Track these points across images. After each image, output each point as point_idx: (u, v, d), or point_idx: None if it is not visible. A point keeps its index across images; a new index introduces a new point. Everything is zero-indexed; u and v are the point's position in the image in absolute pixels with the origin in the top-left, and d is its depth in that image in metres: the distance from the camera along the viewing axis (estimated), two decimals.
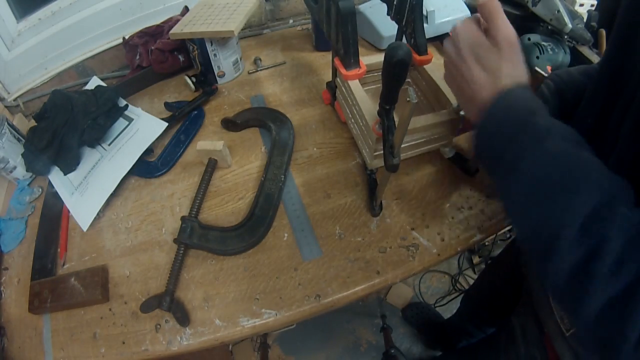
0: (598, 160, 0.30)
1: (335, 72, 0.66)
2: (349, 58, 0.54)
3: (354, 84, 0.56)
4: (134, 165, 0.63)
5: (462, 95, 0.41)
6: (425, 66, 0.60)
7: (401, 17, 0.57)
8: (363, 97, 0.54)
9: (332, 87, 0.69)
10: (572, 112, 0.45)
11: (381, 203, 0.57)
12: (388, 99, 0.44)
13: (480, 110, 0.37)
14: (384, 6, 0.60)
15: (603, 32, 0.76)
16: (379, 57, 0.62)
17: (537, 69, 0.39)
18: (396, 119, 0.47)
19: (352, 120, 0.60)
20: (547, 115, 0.34)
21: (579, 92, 0.45)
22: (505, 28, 0.38)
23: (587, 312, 0.27)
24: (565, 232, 0.27)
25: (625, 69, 0.36)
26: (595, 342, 0.28)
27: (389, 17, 0.61)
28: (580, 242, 0.27)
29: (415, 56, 0.58)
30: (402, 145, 0.54)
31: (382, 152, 0.53)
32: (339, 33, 0.53)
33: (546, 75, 0.39)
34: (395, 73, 0.39)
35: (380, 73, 0.65)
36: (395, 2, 0.57)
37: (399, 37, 0.62)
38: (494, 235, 1.29)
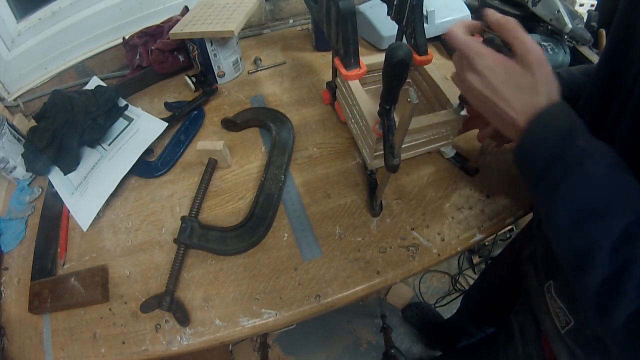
0: (633, 181, 0.31)
1: (335, 72, 0.66)
2: (349, 58, 0.54)
3: (354, 84, 0.56)
4: (134, 165, 0.62)
5: (501, 121, 0.41)
6: (425, 66, 0.60)
7: (401, 17, 0.57)
8: (363, 97, 0.54)
9: (332, 87, 0.69)
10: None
11: (381, 203, 0.57)
12: (388, 99, 0.44)
13: (520, 132, 0.38)
14: (384, 6, 0.60)
15: (603, 32, 0.76)
16: (379, 57, 0.62)
17: None
18: (396, 119, 0.47)
19: (352, 121, 0.60)
20: (585, 133, 0.35)
21: (580, 92, 0.45)
22: (534, 47, 0.37)
23: (616, 325, 0.29)
24: (599, 252, 0.30)
25: (622, 69, 0.36)
26: (622, 350, 0.30)
27: (389, 17, 0.61)
28: (611, 261, 0.29)
29: (416, 56, 0.58)
30: (403, 146, 0.54)
31: (382, 152, 0.53)
32: (339, 33, 0.53)
33: None
34: (396, 73, 0.39)
35: (380, 73, 0.65)
36: (395, 2, 0.57)
37: (399, 37, 0.62)
38: (494, 235, 1.29)
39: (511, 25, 0.38)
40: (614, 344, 0.31)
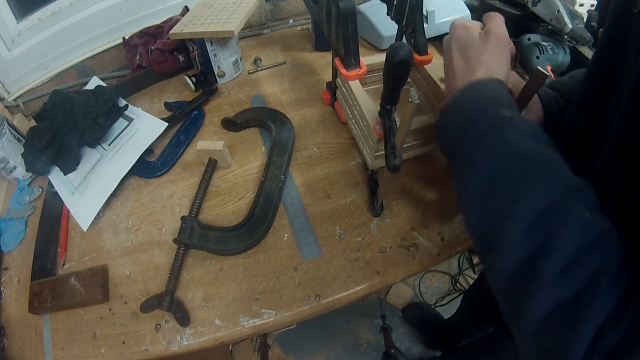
0: (560, 160, 0.29)
1: (335, 72, 0.66)
2: (350, 58, 0.54)
3: (355, 85, 0.56)
4: (134, 165, 0.63)
5: (447, 85, 0.43)
6: (425, 66, 0.60)
7: (401, 17, 0.57)
8: (364, 97, 0.54)
9: (332, 87, 0.69)
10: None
11: (382, 203, 0.57)
12: (389, 99, 0.44)
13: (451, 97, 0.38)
14: (384, 6, 0.60)
15: None
16: (380, 57, 0.62)
17: (539, 67, 0.39)
18: (397, 119, 0.47)
19: (353, 121, 0.60)
20: (513, 109, 0.34)
21: None
22: (498, 27, 0.39)
23: (530, 319, 0.24)
24: (513, 225, 0.25)
25: (613, 72, 0.36)
26: (537, 356, 0.25)
27: (388, 17, 0.61)
28: (528, 238, 0.25)
29: (416, 56, 0.58)
30: (403, 146, 0.54)
31: (383, 152, 0.53)
32: (339, 33, 0.53)
33: (548, 74, 0.39)
34: (397, 73, 0.39)
35: (380, 73, 0.65)
36: (395, 2, 0.57)
37: (399, 37, 0.62)
38: None
39: (493, 14, 0.41)
40: (530, 353, 0.25)
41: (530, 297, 0.24)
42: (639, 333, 0.20)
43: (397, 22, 0.59)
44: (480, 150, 0.30)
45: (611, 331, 0.21)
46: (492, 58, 0.38)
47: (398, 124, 0.45)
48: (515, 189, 0.27)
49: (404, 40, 0.60)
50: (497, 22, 0.40)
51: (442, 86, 0.57)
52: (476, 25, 0.42)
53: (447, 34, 0.85)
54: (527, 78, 0.43)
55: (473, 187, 0.30)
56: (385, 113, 0.46)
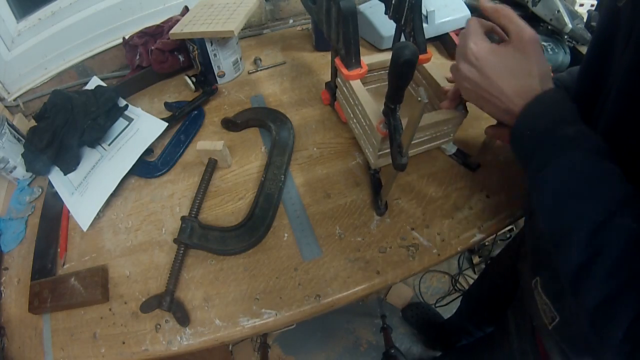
0: (617, 172, 0.32)
1: (334, 72, 0.66)
2: (350, 58, 0.54)
3: (356, 84, 0.56)
4: (134, 165, 0.63)
5: (496, 109, 0.41)
6: (425, 65, 0.60)
7: (400, 17, 0.57)
8: (366, 97, 0.54)
9: (331, 87, 0.69)
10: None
11: (386, 202, 0.57)
12: (394, 98, 0.44)
13: (516, 116, 0.39)
14: (384, 6, 0.61)
15: None
16: (379, 57, 0.62)
17: None
18: (400, 118, 0.47)
19: (354, 120, 0.60)
20: (577, 121, 0.35)
21: None
22: (528, 28, 0.38)
23: (587, 305, 0.30)
24: (576, 235, 0.31)
25: (602, 68, 0.37)
26: (593, 337, 0.32)
27: (387, 16, 0.61)
28: (587, 246, 0.30)
29: None
30: (387, 149, 0.54)
31: (386, 151, 0.53)
32: (339, 33, 0.53)
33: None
34: (403, 73, 0.39)
35: (381, 72, 0.66)
36: (393, 2, 0.57)
37: (397, 36, 0.62)
38: (494, 235, 1.29)
39: (507, 11, 0.39)
40: (587, 330, 0.32)
41: (586, 290, 0.30)
42: None
43: (395, 21, 0.59)
44: (550, 171, 0.35)
45: None
46: (539, 64, 0.38)
47: (403, 122, 0.45)
48: (579, 205, 0.32)
49: (402, 39, 0.60)
50: (519, 22, 0.38)
51: (443, 84, 0.57)
52: (484, 38, 0.41)
53: (447, 34, 0.85)
54: None
55: (545, 199, 0.35)
56: (390, 112, 0.46)
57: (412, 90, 0.66)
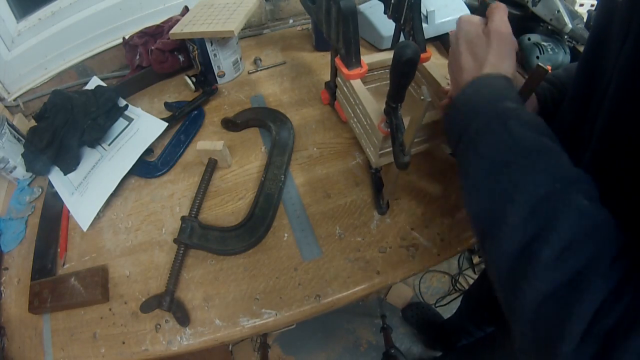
0: (562, 151, 0.30)
1: (334, 72, 0.66)
2: (351, 57, 0.54)
3: (357, 84, 0.56)
4: (134, 165, 0.63)
5: (454, 81, 0.43)
6: (425, 64, 0.60)
7: (399, 16, 0.57)
8: (366, 96, 0.54)
9: (330, 87, 0.69)
10: None
11: (388, 201, 0.57)
12: (396, 97, 0.44)
13: (458, 90, 0.40)
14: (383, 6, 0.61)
15: None
16: (379, 56, 0.62)
17: (540, 63, 0.40)
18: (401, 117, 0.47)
19: (355, 120, 0.60)
20: (518, 102, 0.35)
21: None
22: (499, 22, 0.40)
23: (527, 304, 0.25)
24: (513, 210, 0.26)
25: (598, 66, 0.37)
26: (532, 343, 0.25)
27: (385, 15, 0.61)
28: (527, 223, 0.26)
29: None
30: (389, 148, 0.54)
31: (387, 150, 0.53)
32: (339, 33, 0.53)
33: (548, 70, 0.40)
34: (405, 72, 0.39)
35: (381, 72, 0.66)
36: (392, 1, 0.57)
37: (396, 35, 0.62)
38: None
39: (495, 5, 0.42)
40: (525, 339, 0.26)
41: (527, 281, 0.24)
42: (634, 317, 0.21)
43: (394, 21, 0.59)
44: (485, 139, 0.32)
45: (607, 314, 0.22)
46: (497, 56, 0.39)
47: (405, 121, 0.45)
48: (517, 176, 0.28)
49: (402, 38, 0.60)
50: (498, 17, 0.40)
51: (443, 84, 0.57)
52: (481, 20, 0.43)
53: (447, 34, 0.86)
54: (527, 76, 0.44)
55: (476, 172, 0.32)
56: (392, 111, 0.46)
57: (412, 89, 0.66)
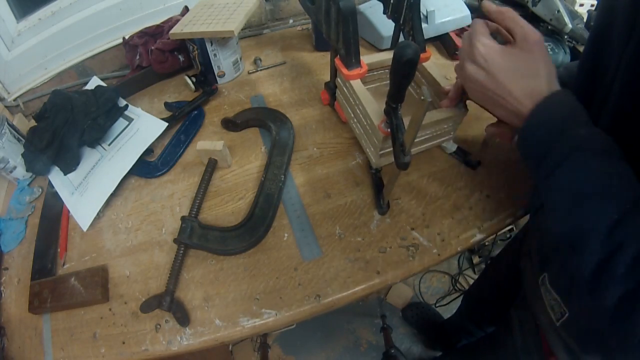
0: (629, 171, 0.32)
1: (334, 72, 0.66)
2: (350, 58, 0.54)
3: (357, 84, 0.56)
4: (134, 165, 0.62)
5: (503, 110, 0.41)
6: (425, 64, 0.60)
7: (398, 16, 0.57)
8: (366, 96, 0.54)
9: (330, 87, 0.69)
10: None
11: (388, 201, 0.57)
12: (396, 97, 0.44)
13: (524, 118, 0.38)
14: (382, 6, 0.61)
15: None
16: (379, 57, 0.62)
17: None
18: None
19: (355, 120, 0.60)
20: (588, 122, 0.35)
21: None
22: (533, 30, 0.39)
23: (607, 304, 0.30)
24: (594, 234, 0.31)
25: (599, 68, 0.37)
26: (612, 337, 0.31)
27: (385, 15, 0.61)
28: (605, 244, 0.30)
29: None
30: (389, 149, 0.54)
31: (388, 150, 0.53)
32: (339, 33, 0.53)
33: None
34: (405, 72, 0.39)
35: (380, 72, 0.66)
36: (392, 1, 0.57)
37: (396, 35, 0.62)
38: (494, 235, 1.29)
39: (511, 13, 0.40)
40: (606, 328, 0.31)
41: (606, 287, 0.30)
42: None
43: (394, 21, 0.59)
44: (563, 172, 0.34)
45: None
46: (546, 65, 0.38)
47: (405, 121, 0.45)
48: (595, 205, 0.32)
49: (401, 38, 0.60)
50: (524, 24, 0.39)
51: (443, 84, 0.57)
52: (491, 39, 0.41)
53: (447, 34, 0.86)
54: None
55: (559, 199, 0.35)
56: (392, 111, 0.46)
57: (412, 89, 0.66)
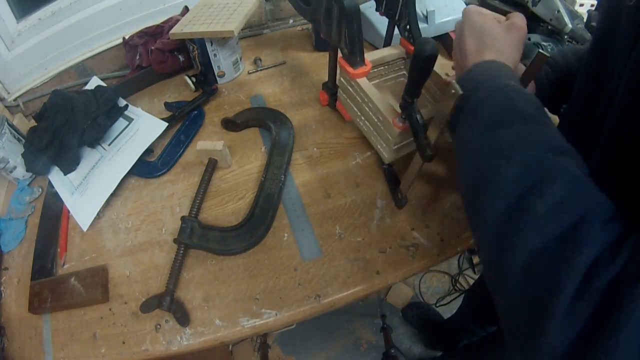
0: (555, 127, 0.31)
1: (332, 72, 0.66)
2: (355, 56, 0.54)
3: (364, 82, 0.56)
4: (134, 165, 0.63)
5: (458, 67, 0.45)
6: None
7: (393, 13, 0.58)
8: (375, 93, 0.55)
9: (329, 87, 0.69)
10: (566, 99, 0.48)
11: (406, 194, 0.57)
12: (414, 92, 0.45)
13: (466, 71, 0.40)
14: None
15: None
16: (378, 53, 0.63)
17: (540, 50, 0.41)
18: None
19: (362, 118, 0.60)
20: (519, 84, 0.35)
21: (574, 79, 0.47)
22: (522, 24, 0.42)
23: (517, 261, 0.24)
24: (508, 166, 0.27)
25: (606, 66, 0.37)
26: (520, 313, 0.24)
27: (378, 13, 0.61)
28: (520, 179, 0.26)
29: (412, 48, 0.59)
30: (406, 142, 0.55)
31: (401, 144, 0.54)
32: (342, 33, 0.53)
33: (549, 55, 0.41)
34: (425, 67, 0.40)
35: (380, 68, 0.66)
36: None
37: (389, 31, 0.63)
38: None
39: (517, 13, 0.44)
40: (514, 306, 0.24)
41: (517, 236, 0.24)
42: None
43: (388, 17, 0.60)
44: (485, 105, 0.33)
45: (607, 268, 0.21)
46: (507, 46, 0.40)
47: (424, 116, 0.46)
48: (513, 136, 0.28)
49: (397, 33, 0.61)
50: (522, 19, 0.42)
51: (444, 77, 0.58)
52: (490, 13, 0.44)
53: (447, 33, 0.86)
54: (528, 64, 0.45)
55: (473, 133, 0.32)
56: (409, 106, 0.46)
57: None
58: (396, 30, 0.64)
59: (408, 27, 0.58)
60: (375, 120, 0.56)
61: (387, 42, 0.67)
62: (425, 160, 0.46)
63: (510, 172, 0.26)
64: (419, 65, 0.40)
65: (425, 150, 0.44)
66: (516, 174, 0.26)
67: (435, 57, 0.39)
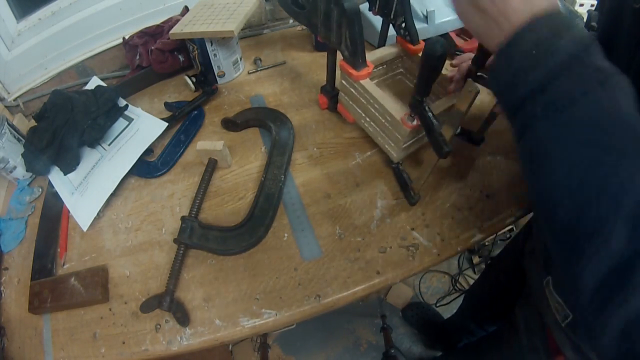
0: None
1: (332, 75, 0.66)
2: (358, 58, 0.54)
3: (368, 83, 0.56)
4: (134, 165, 0.63)
5: (488, 30, 0.31)
6: (420, 55, 0.61)
7: (388, 11, 0.58)
8: (381, 94, 0.55)
9: (328, 90, 0.69)
10: None
11: (419, 191, 0.57)
12: (424, 91, 0.45)
13: (511, 34, 0.28)
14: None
15: None
16: (378, 53, 0.63)
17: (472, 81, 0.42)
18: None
19: (367, 119, 0.60)
20: (604, 57, 0.26)
21: None
22: None
23: (620, 319, 0.22)
24: (619, 218, 0.21)
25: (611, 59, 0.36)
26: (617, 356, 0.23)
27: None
28: (630, 235, 0.21)
29: (410, 46, 0.60)
30: (414, 139, 0.55)
31: (410, 143, 0.55)
32: (342, 35, 0.53)
33: (478, 91, 0.42)
34: (435, 66, 0.41)
35: (379, 68, 0.66)
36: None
37: (384, 30, 0.63)
38: (494, 235, 1.28)
39: None
40: (605, 350, 0.23)
41: (623, 299, 0.21)
42: None
43: (382, 16, 0.61)
44: (584, 107, 0.23)
45: None
46: None
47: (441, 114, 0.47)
48: (625, 168, 0.21)
49: (392, 32, 0.62)
50: None
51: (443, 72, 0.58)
52: None
53: (447, 33, 0.86)
54: None
55: (573, 151, 0.23)
56: (419, 104, 0.47)
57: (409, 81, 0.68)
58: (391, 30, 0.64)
59: (404, 25, 0.58)
60: (383, 120, 0.56)
61: (382, 41, 0.67)
62: (441, 157, 0.46)
63: (615, 228, 0.21)
64: (431, 64, 0.40)
65: (442, 148, 0.45)
66: (624, 230, 0.21)
67: (446, 56, 0.39)
